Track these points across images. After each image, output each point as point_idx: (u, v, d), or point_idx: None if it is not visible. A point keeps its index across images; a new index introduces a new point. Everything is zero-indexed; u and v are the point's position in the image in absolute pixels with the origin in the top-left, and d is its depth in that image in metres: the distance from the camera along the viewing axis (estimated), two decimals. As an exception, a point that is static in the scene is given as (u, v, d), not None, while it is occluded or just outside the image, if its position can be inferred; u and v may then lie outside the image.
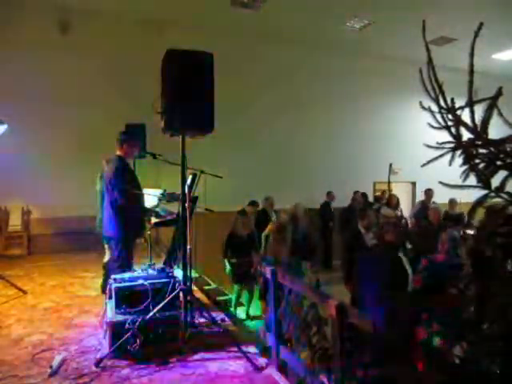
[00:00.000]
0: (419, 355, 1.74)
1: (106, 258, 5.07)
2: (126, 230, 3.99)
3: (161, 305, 3.23)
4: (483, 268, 1.44)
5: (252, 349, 3.30)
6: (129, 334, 3.06)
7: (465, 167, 1.50)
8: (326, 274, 7.83)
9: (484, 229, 1.48)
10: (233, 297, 5.86)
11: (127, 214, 3.95)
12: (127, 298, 3.28)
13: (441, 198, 8.28)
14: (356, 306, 3.64)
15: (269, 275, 3.13)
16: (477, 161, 1.47)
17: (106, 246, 5.08)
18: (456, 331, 1.46)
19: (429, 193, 8.62)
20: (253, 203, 7.31)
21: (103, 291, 4.72)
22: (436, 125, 1.57)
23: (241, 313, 5.90)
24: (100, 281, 5.02)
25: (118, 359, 3.05)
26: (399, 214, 8.47)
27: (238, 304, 5.95)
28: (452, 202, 8.04)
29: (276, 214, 7.64)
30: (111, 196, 3.97)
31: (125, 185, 3.90)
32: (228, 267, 5.80)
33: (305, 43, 9.88)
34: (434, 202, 8.55)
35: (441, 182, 1.65)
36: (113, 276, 3.52)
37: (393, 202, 8.53)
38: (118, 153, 4.15)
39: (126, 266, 3.90)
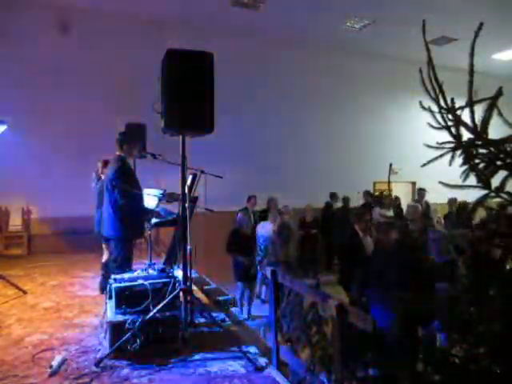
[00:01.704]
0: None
1: (105, 257, 5.07)
2: (126, 230, 3.99)
3: (161, 305, 3.22)
4: (482, 268, 1.44)
5: (252, 349, 3.30)
6: (129, 334, 3.06)
7: (465, 167, 1.50)
8: (326, 275, 7.83)
9: (484, 229, 1.48)
10: (238, 295, 5.88)
11: (127, 215, 3.94)
12: (127, 298, 3.28)
13: (441, 197, 8.30)
14: (357, 307, 3.61)
15: (269, 275, 3.13)
16: (477, 161, 1.47)
17: (105, 246, 5.09)
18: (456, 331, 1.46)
19: (421, 192, 8.64)
20: (252, 197, 7.40)
21: (102, 290, 4.72)
22: (436, 125, 1.57)
23: (244, 312, 5.90)
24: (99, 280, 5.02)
25: (118, 359, 3.05)
26: (392, 214, 8.46)
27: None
28: (451, 201, 8.12)
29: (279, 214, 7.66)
30: (111, 196, 3.96)
31: (125, 185, 3.90)
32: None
33: (305, 43, 9.88)
34: (425, 202, 8.56)
35: (441, 182, 1.65)
36: (113, 276, 3.52)
37: (386, 203, 8.54)
38: (118, 153, 4.15)
39: (125, 266, 3.90)
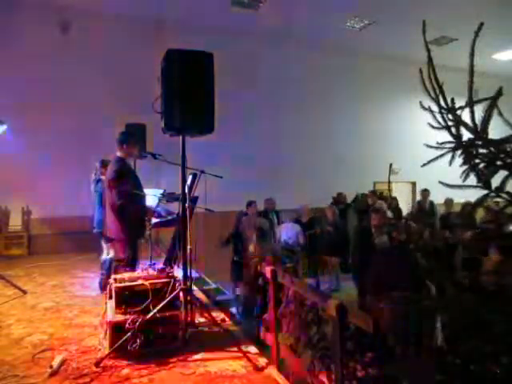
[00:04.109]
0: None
1: (104, 256, 5.07)
2: (129, 230, 3.98)
3: (161, 305, 3.22)
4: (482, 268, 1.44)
5: (252, 349, 3.30)
6: (129, 334, 3.06)
7: (465, 167, 1.50)
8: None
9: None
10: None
11: (129, 215, 3.93)
12: (127, 298, 3.28)
13: (441, 198, 8.31)
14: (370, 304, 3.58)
15: (269, 275, 3.13)
16: (477, 161, 1.47)
17: (105, 246, 5.09)
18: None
19: (425, 193, 8.66)
20: (251, 203, 7.36)
21: (102, 290, 4.73)
22: (436, 125, 1.57)
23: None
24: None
25: (118, 359, 3.05)
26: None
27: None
28: (447, 201, 8.21)
29: (277, 214, 7.66)
30: (111, 197, 3.96)
31: (125, 186, 3.89)
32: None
33: (305, 43, 9.87)
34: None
35: (441, 182, 1.65)
36: (113, 276, 3.52)
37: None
38: (118, 153, 4.14)
39: (132, 266, 3.91)
